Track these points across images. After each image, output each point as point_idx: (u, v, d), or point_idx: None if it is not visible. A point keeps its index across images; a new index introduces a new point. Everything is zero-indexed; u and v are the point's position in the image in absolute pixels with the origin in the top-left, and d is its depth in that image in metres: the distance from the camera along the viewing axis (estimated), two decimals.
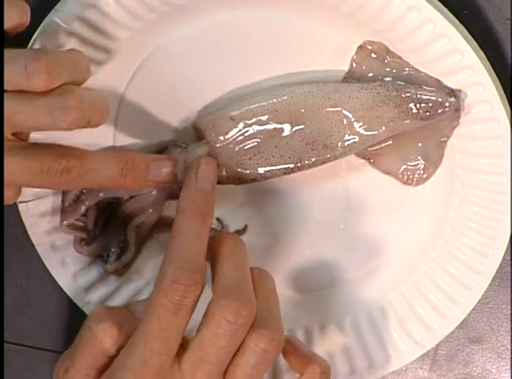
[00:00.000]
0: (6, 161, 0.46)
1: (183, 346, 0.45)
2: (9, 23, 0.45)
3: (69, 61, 0.46)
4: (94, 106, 0.46)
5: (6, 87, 0.44)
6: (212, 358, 0.45)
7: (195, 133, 0.53)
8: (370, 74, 0.52)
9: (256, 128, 0.51)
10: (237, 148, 0.51)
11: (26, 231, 0.54)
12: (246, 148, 0.51)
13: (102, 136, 0.53)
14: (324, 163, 0.52)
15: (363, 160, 0.55)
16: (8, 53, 0.44)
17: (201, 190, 0.48)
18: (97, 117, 0.47)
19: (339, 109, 0.51)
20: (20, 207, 0.53)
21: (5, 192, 0.48)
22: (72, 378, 0.46)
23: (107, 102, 0.48)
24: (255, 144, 0.51)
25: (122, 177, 0.48)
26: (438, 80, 0.51)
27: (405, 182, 0.55)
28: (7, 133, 0.46)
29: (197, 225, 0.46)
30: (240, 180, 0.52)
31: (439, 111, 0.51)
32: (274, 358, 0.46)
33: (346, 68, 0.53)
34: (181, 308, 0.44)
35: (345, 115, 0.51)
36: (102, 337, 0.45)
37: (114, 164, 0.48)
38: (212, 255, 0.47)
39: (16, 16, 0.46)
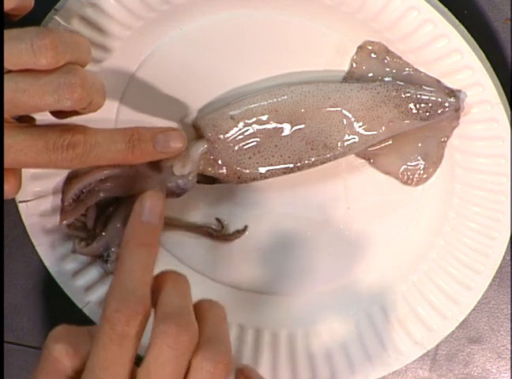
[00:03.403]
0: (10, 142, 0.45)
1: (133, 376, 0.44)
2: (10, 3, 0.45)
3: (73, 40, 0.46)
4: (96, 86, 0.46)
5: (11, 66, 0.44)
6: None
7: (195, 132, 0.53)
8: (370, 74, 0.52)
9: (256, 127, 0.51)
10: (237, 148, 0.51)
11: (26, 231, 0.54)
12: (245, 147, 0.51)
13: None
14: (324, 162, 0.52)
15: (363, 160, 0.55)
16: (13, 32, 0.44)
17: (146, 223, 0.47)
18: (98, 99, 0.47)
19: (339, 109, 0.51)
20: (20, 207, 0.53)
21: (5, 185, 0.48)
22: None
23: (104, 86, 0.48)
24: (255, 143, 0.51)
25: (130, 149, 0.48)
26: (438, 81, 0.51)
27: (405, 182, 0.55)
28: (9, 115, 0.46)
29: (141, 256, 0.45)
30: (240, 179, 0.52)
31: (439, 111, 0.51)
32: None
33: (346, 68, 0.53)
34: (124, 338, 0.43)
35: (345, 115, 0.51)
36: (58, 357, 0.44)
37: (120, 137, 0.48)
38: (155, 289, 0.46)
39: None
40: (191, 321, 0.44)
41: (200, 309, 0.46)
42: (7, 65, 0.44)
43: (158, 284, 0.46)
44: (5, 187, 0.48)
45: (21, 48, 0.43)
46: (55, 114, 0.48)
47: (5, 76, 0.44)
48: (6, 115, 0.46)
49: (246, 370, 0.50)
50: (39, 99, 0.44)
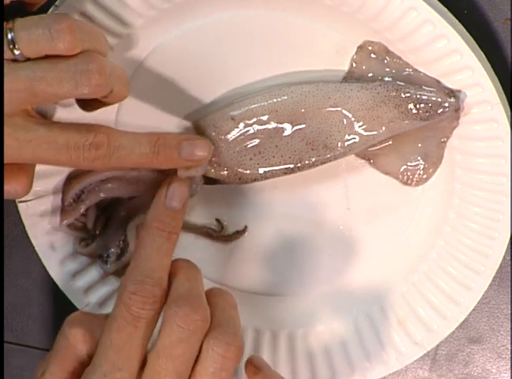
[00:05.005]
0: (30, 136, 0.44)
1: (145, 362, 0.45)
2: None
3: (90, 29, 0.45)
4: (115, 74, 0.45)
5: (30, 53, 0.43)
6: (169, 370, 0.43)
7: (196, 132, 0.53)
8: (370, 74, 0.52)
9: (256, 128, 0.51)
10: (238, 148, 0.51)
11: (26, 231, 0.54)
12: (246, 148, 0.51)
13: None
14: (324, 163, 0.52)
15: (363, 160, 0.55)
16: (30, 18, 0.44)
17: (168, 208, 0.47)
18: (119, 87, 0.46)
19: (339, 109, 0.51)
20: (20, 207, 0.53)
21: (15, 184, 0.47)
22: None
23: (127, 75, 0.47)
24: (256, 144, 0.51)
25: (155, 154, 0.47)
26: (438, 81, 0.51)
27: (405, 183, 0.55)
28: (31, 106, 0.45)
29: (161, 241, 0.46)
30: (241, 180, 0.52)
31: (439, 112, 0.51)
32: (235, 364, 0.45)
33: (346, 68, 0.53)
34: (140, 320, 0.44)
35: (345, 115, 0.51)
36: (73, 342, 0.44)
37: (145, 141, 0.47)
38: (168, 277, 0.47)
39: None
40: (203, 303, 0.45)
41: (210, 296, 0.47)
42: (25, 52, 0.43)
43: (171, 272, 0.47)
44: (16, 186, 0.47)
45: (39, 33, 0.43)
46: (81, 105, 0.47)
47: (23, 65, 0.43)
48: (28, 107, 0.45)
49: (254, 359, 0.50)
50: (57, 85, 0.43)
